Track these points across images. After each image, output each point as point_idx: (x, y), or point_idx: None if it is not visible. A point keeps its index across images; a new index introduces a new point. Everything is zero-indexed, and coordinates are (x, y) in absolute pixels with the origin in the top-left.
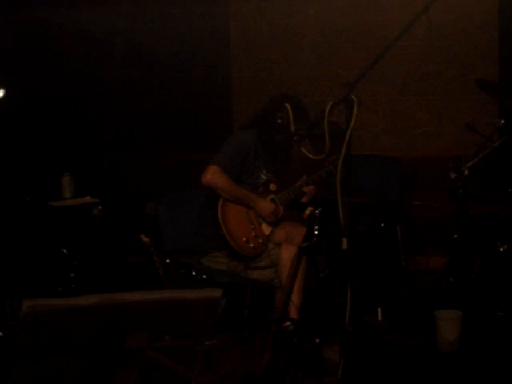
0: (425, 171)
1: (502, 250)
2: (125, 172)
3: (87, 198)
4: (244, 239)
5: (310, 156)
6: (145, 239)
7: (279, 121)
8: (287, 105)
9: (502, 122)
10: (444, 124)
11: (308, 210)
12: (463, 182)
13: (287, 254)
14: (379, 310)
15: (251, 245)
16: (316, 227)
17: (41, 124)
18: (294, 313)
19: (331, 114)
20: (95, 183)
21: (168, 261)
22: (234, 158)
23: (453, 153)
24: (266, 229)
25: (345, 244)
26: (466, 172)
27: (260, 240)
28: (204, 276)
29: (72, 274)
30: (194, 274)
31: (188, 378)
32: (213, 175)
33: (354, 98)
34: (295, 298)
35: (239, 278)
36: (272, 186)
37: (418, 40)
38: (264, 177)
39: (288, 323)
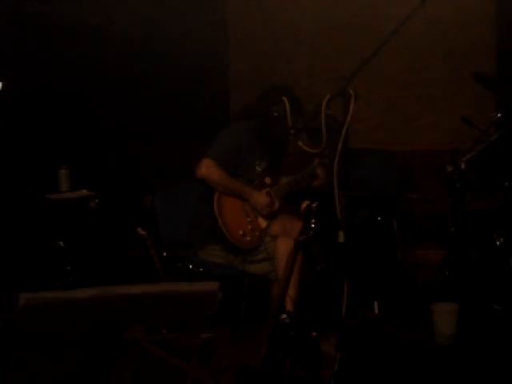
0: (421, 165)
1: (498, 243)
2: (122, 165)
3: (84, 191)
4: (240, 232)
5: (307, 149)
6: (142, 232)
7: (275, 114)
8: (284, 98)
9: (499, 115)
10: (441, 117)
11: (305, 204)
12: (460, 176)
13: (284, 246)
14: (376, 303)
15: (248, 238)
16: (313, 220)
17: (38, 117)
18: (290, 306)
19: (328, 108)
20: (92, 176)
21: (165, 254)
22: (227, 150)
23: (449, 146)
24: (263, 221)
25: (341, 237)
26: (463, 166)
27: (256, 233)
28: (201, 269)
29: (69, 267)
30: (190, 267)
31: (185, 371)
32: (207, 169)
33: (351, 91)
34: (292, 291)
35: (236, 271)
36: (267, 179)
37: (415, 33)
38: (259, 169)
39: (285, 316)
